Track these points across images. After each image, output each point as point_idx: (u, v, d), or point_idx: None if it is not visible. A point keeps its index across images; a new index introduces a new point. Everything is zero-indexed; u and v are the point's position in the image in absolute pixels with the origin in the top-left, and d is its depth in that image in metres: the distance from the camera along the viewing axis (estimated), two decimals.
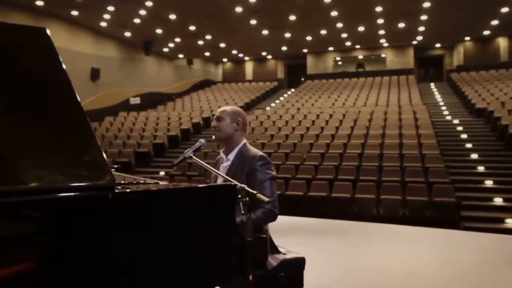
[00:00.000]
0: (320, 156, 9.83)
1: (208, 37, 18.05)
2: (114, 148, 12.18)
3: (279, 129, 12.69)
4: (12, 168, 1.18)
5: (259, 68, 25.64)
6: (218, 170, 2.30)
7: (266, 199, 1.65)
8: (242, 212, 1.57)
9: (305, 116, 13.92)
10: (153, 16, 14.84)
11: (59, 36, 14.87)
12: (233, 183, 1.56)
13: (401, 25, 16.42)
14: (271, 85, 23.08)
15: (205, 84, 23.79)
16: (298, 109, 15.34)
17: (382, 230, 6.60)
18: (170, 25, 16.01)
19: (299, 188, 8.44)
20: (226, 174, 2.16)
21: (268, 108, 16.74)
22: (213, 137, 2.31)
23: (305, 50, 22.29)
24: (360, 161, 9.42)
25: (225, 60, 25.63)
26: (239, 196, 1.56)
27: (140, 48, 18.54)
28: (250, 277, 1.51)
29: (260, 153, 2.28)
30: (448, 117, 13.98)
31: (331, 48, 21.99)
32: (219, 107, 15.36)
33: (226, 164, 2.31)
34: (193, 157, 2.06)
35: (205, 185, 1.66)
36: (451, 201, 7.38)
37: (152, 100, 19.18)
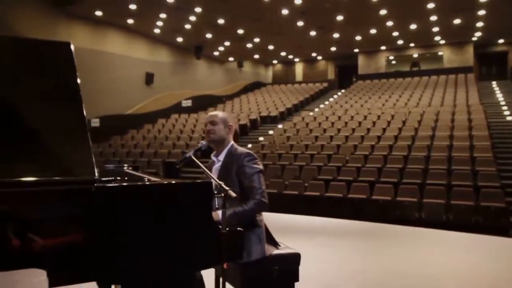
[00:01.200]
0: (363, 158, 9.67)
1: (257, 40, 18.33)
2: (164, 149, 12.76)
3: (324, 130, 12.62)
4: (13, 163, 1.40)
5: (309, 69, 25.55)
6: (211, 171, 2.48)
7: (234, 194, 1.79)
8: (217, 206, 1.71)
9: (352, 117, 13.72)
10: (203, 22, 15.36)
11: (117, 44, 15.86)
12: (208, 181, 1.71)
13: (457, 21, 15.65)
14: (321, 86, 22.91)
15: (255, 86, 24.12)
16: (346, 110, 15.13)
17: (419, 234, 6.41)
18: (219, 30, 16.46)
19: (339, 190, 8.38)
20: (218, 174, 2.34)
21: (316, 110, 16.66)
22: (202, 144, 2.45)
23: (356, 50, 21.89)
24: (405, 163, 9.15)
25: (275, 62, 25.82)
26: (215, 192, 1.70)
27: (191, 52, 19.24)
28: (225, 266, 1.65)
29: (246, 150, 2.46)
30: (510, 118, 13.10)
31: (383, 47, 21.42)
32: (267, 109, 15.66)
33: (217, 165, 2.49)
34: (193, 157, 2.23)
35: (182, 181, 1.82)
36: (500, 206, 6.98)
37: (203, 103, 19.78)
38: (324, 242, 5.57)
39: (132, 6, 13.56)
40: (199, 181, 1.74)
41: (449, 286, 3.88)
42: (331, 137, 11.68)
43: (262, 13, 14.54)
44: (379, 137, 11.06)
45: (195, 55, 19.42)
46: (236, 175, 2.35)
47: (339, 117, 13.95)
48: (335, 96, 20.14)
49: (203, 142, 2.41)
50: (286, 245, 2.48)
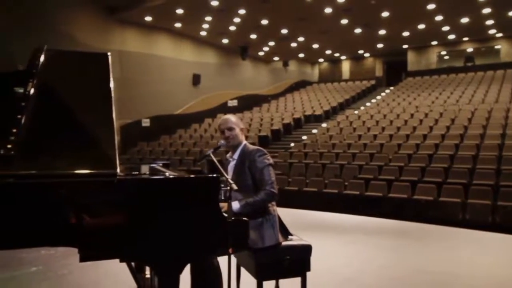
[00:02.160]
0: (407, 157, 9.48)
1: (301, 39, 18.36)
2: (210, 148, 13.14)
3: (368, 129, 12.45)
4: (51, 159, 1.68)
5: (356, 67, 25.14)
6: (227, 169, 2.73)
7: (235, 187, 1.97)
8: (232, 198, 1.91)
9: (398, 115, 13.41)
10: (247, 23, 15.65)
11: (166, 47, 16.57)
12: (214, 175, 1.91)
13: None
14: (368, 84, 22.49)
15: (300, 85, 24.12)
16: (392, 108, 14.80)
17: (458, 234, 6.23)
18: (263, 30, 16.68)
19: (379, 189, 8.29)
20: (234, 171, 2.56)
21: (361, 108, 16.42)
22: (221, 143, 2.65)
23: (405, 46, 21.24)
24: (451, 163, 8.86)
25: (321, 60, 25.66)
26: (222, 186, 1.89)
27: (237, 53, 19.63)
28: (230, 250, 1.86)
29: (257, 147, 2.69)
30: None
31: (434, 42, 20.65)
32: (312, 107, 15.67)
33: (232, 163, 2.72)
34: (211, 155, 2.44)
35: (192, 175, 2.03)
36: None
37: (248, 102, 20.12)
38: (355, 239, 5.60)
39: (179, 11, 14.12)
40: (206, 175, 1.94)
41: (471, 284, 3.80)
42: (375, 135, 11.52)
43: (305, 13, 14.57)
44: (425, 136, 10.76)
45: (240, 56, 19.79)
46: (249, 169, 2.58)
47: (385, 116, 13.68)
48: (383, 94, 19.68)
49: (223, 141, 2.63)
50: (300, 237, 2.62)
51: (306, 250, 2.54)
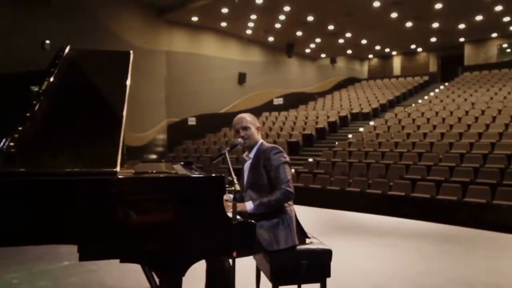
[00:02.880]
0: (459, 157, 8.90)
1: (348, 35, 17.87)
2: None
3: (418, 127, 11.87)
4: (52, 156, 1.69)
5: (408, 62, 24.09)
6: (244, 169, 2.64)
7: (238, 188, 1.88)
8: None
9: (452, 112, 12.67)
10: (292, 20, 15.47)
11: (212, 46, 16.79)
12: (220, 175, 1.83)
13: None
14: (420, 80, 21.50)
15: (348, 82, 23.53)
16: (446, 104, 14.00)
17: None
18: (309, 27, 16.41)
19: (427, 191, 7.85)
20: (249, 170, 2.48)
21: (413, 105, 15.70)
22: (238, 141, 2.56)
23: (461, 39, 20.03)
24: (508, 163, 8.21)
25: (370, 56, 24.88)
26: (227, 186, 1.81)
27: (283, 51, 19.49)
28: (234, 254, 1.77)
29: (272, 145, 2.56)
30: None
31: (494, 35, 19.29)
32: (360, 105, 15.25)
33: (248, 162, 2.63)
34: (227, 154, 2.36)
35: (196, 175, 1.96)
36: None
37: (294, 100, 19.93)
38: (394, 243, 5.31)
39: (224, 10, 14.23)
40: (211, 175, 1.88)
41: None
42: (425, 134, 10.95)
43: (352, 7, 14.15)
44: (480, 134, 10.07)
45: (286, 54, 19.63)
46: (264, 168, 2.47)
47: (437, 113, 12.98)
48: (437, 90, 18.69)
49: (240, 140, 2.55)
50: (319, 240, 2.48)
51: (326, 255, 2.39)
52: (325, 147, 12.48)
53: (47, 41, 10.31)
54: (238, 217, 1.95)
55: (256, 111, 18.04)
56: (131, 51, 2.60)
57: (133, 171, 2.01)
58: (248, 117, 2.66)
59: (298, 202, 9.08)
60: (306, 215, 7.53)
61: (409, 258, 4.61)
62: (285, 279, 2.33)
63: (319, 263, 2.35)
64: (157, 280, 2.26)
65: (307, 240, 2.51)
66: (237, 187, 1.97)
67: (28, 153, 1.70)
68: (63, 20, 10.72)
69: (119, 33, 12.71)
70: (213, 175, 1.86)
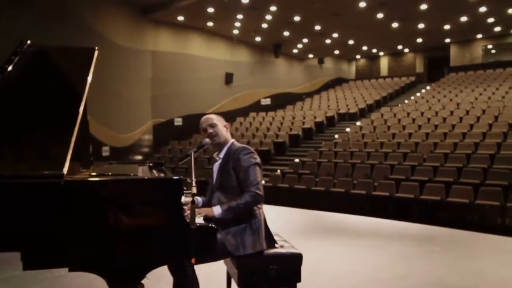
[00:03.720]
0: (443, 157, 8.93)
1: (335, 35, 17.89)
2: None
3: (404, 127, 11.90)
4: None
5: (395, 63, 24.21)
6: (214, 169, 2.55)
7: (195, 190, 1.79)
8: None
9: (437, 113, 12.73)
10: (279, 20, 15.42)
11: (198, 46, 16.66)
12: (178, 178, 1.74)
13: None
14: (407, 81, 21.62)
15: (336, 82, 23.56)
16: (432, 105, 14.07)
17: (492, 242, 5.71)
18: (296, 27, 16.38)
19: (411, 191, 7.84)
20: (218, 171, 2.37)
21: (399, 105, 15.75)
22: (205, 141, 2.47)
23: (447, 40, 20.19)
24: (491, 163, 8.25)
25: (358, 57, 24.95)
26: (185, 188, 1.73)
27: (270, 51, 19.44)
28: (192, 260, 1.68)
29: (243, 145, 2.48)
30: None
31: (479, 36, 19.48)
32: (347, 105, 15.26)
33: (218, 162, 2.53)
34: (193, 155, 2.28)
35: (152, 177, 1.87)
36: None
37: (282, 101, 19.89)
38: (374, 244, 5.26)
39: (210, 10, 14.12)
40: (166, 177, 1.79)
41: None
42: (410, 134, 10.98)
43: (338, 8, 14.16)
44: (464, 134, 10.12)
45: (274, 54, 19.58)
46: (233, 169, 2.38)
47: (422, 113, 13.03)
48: (423, 91, 18.78)
49: (207, 140, 2.46)
50: (292, 245, 2.41)
51: (296, 259, 2.31)
52: (311, 148, 12.44)
53: (28, 41, 10.09)
54: (201, 221, 1.87)
55: (243, 111, 17.99)
56: (96, 48, 2.49)
57: (89, 174, 1.91)
58: (214, 116, 2.58)
59: (283, 203, 9.09)
60: (290, 217, 7.49)
61: (389, 260, 4.56)
62: (253, 285, 2.25)
63: (289, 268, 2.27)
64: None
65: (277, 244, 2.42)
66: (194, 190, 1.88)
67: None
68: (47, 21, 10.50)
69: (104, 33, 12.52)
70: (169, 177, 1.77)
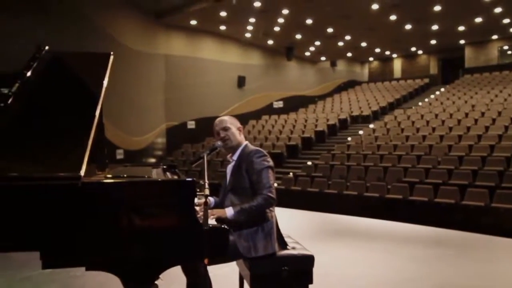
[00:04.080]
0: (458, 160, 8.82)
1: (348, 37, 17.82)
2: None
3: (417, 129, 11.79)
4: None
5: (408, 65, 24.03)
6: (227, 171, 2.57)
7: (208, 192, 1.82)
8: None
9: (451, 115, 12.60)
10: (291, 23, 15.44)
11: (211, 50, 16.78)
12: (191, 179, 1.77)
13: None
14: (421, 82, 21.42)
15: (349, 85, 23.47)
16: (446, 107, 13.92)
17: (507, 246, 5.60)
18: (308, 30, 16.38)
19: (425, 194, 7.76)
20: (231, 173, 2.40)
21: (412, 108, 15.61)
22: (217, 144, 2.49)
23: (462, 42, 19.96)
24: (508, 166, 8.13)
25: (371, 59, 24.82)
26: (198, 190, 1.76)
27: (282, 54, 19.46)
28: (205, 261, 1.71)
29: (256, 148, 2.49)
30: None
31: (494, 37, 19.22)
32: (360, 108, 15.19)
33: (231, 164, 2.55)
34: (205, 157, 2.31)
35: (166, 179, 1.91)
36: None
37: (294, 103, 19.88)
38: (387, 247, 5.22)
39: (223, 14, 14.22)
40: (180, 179, 1.82)
41: None
42: (424, 136, 10.87)
43: (350, 10, 14.11)
44: (479, 136, 9.99)
45: (286, 57, 19.59)
46: (246, 171, 2.40)
47: (436, 115, 12.91)
48: (437, 93, 18.58)
49: (219, 143, 2.48)
50: (303, 247, 2.42)
51: (308, 261, 2.33)
52: (324, 150, 12.41)
53: (46, 47, 10.29)
54: (213, 222, 1.90)
55: (256, 115, 18.03)
56: (112, 53, 2.55)
57: (104, 176, 1.96)
58: (227, 118, 2.60)
59: (295, 206, 9.08)
60: (302, 219, 7.48)
61: (399, 263, 4.53)
62: (265, 286, 2.27)
63: (301, 269, 2.29)
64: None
65: (289, 246, 2.44)
66: (207, 191, 1.91)
67: None
68: (61, 25, 10.70)
69: (118, 37, 12.70)
70: (183, 179, 1.80)
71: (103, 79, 2.24)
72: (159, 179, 1.96)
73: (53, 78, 2.18)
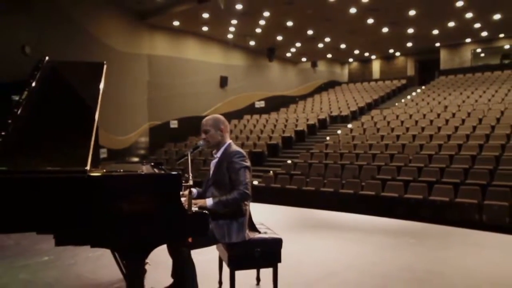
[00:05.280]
0: (428, 158, 9.36)
1: (327, 39, 18.33)
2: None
3: (392, 129, 12.33)
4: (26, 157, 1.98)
5: (387, 66, 24.74)
6: (211, 166, 2.93)
7: (191, 183, 2.18)
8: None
9: (424, 115, 13.20)
10: (272, 25, 15.83)
11: (193, 50, 17.04)
12: (177, 173, 2.13)
13: None
14: (399, 83, 22.11)
15: (329, 85, 24.03)
16: (420, 108, 14.54)
17: (468, 235, 6.11)
18: (289, 32, 16.80)
19: (396, 190, 8.26)
20: (214, 168, 2.77)
21: (389, 108, 16.20)
22: (199, 143, 2.86)
23: (437, 44, 20.72)
24: (473, 163, 8.69)
25: (350, 60, 25.44)
26: (184, 182, 2.12)
27: (264, 55, 19.85)
28: (190, 239, 2.08)
29: (237, 149, 2.86)
30: None
31: (468, 40, 20.01)
32: (339, 108, 15.66)
33: (214, 160, 2.92)
34: (189, 155, 2.66)
35: (157, 173, 2.27)
36: None
37: (276, 103, 20.32)
38: (356, 238, 5.65)
39: (205, 15, 14.51)
40: (168, 173, 2.17)
41: (449, 283, 3.83)
42: (398, 136, 11.41)
43: (330, 13, 14.59)
44: (449, 136, 10.57)
45: (267, 57, 19.99)
46: (227, 169, 2.76)
47: (410, 116, 13.50)
48: (413, 94, 19.28)
49: (201, 142, 2.84)
50: (273, 231, 2.80)
51: (276, 243, 2.73)
52: (303, 149, 12.84)
53: (27, 46, 10.40)
54: (194, 208, 2.26)
55: (238, 114, 18.38)
56: (105, 62, 2.87)
57: (103, 171, 2.29)
58: (210, 120, 2.93)
59: (275, 202, 9.44)
60: (281, 214, 7.87)
61: (367, 250, 4.97)
62: (241, 265, 2.65)
63: (271, 250, 2.68)
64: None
65: (261, 231, 2.83)
66: (191, 182, 2.27)
67: (9, 155, 1.97)
68: (44, 25, 10.82)
69: (101, 37, 12.87)
70: (171, 172, 2.15)
71: (99, 86, 2.57)
72: (151, 172, 2.29)
73: (56, 86, 2.49)
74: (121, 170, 2.24)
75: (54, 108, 2.32)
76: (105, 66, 2.81)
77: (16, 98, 2.26)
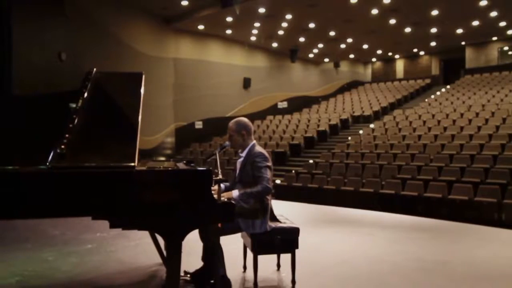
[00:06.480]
0: (449, 157, 9.46)
1: (349, 40, 18.46)
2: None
3: (414, 129, 12.42)
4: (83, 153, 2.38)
5: (410, 66, 24.59)
6: (237, 164, 3.31)
7: (221, 176, 2.54)
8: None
9: (447, 115, 13.20)
10: (295, 27, 16.13)
11: (217, 53, 17.51)
12: (208, 169, 2.50)
13: None
14: (423, 83, 21.97)
15: (352, 85, 24.10)
16: (444, 107, 14.52)
17: (486, 233, 6.24)
18: (311, 33, 17.05)
19: (416, 189, 8.42)
20: (240, 166, 3.13)
21: (413, 108, 16.21)
22: (226, 144, 3.28)
23: (462, 43, 20.50)
24: (494, 163, 8.75)
25: (373, 60, 25.41)
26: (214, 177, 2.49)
27: (286, 56, 20.15)
28: (219, 225, 2.45)
29: (260, 150, 3.20)
30: None
31: (494, 38, 19.74)
32: (362, 108, 15.78)
33: (240, 159, 3.28)
34: (217, 154, 3.03)
35: (193, 168, 2.64)
36: None
37: (298, 104, 20.57)
38: (372, 232, 5.90)
39: (229, 19, 14.93)
40: (202, 168, 2.54)
41: (454, 271, 4.03)
42: (419, 136, 11.50)
43: (351, 15, 14.75)
44: (471, 136, 10.60)
45: (290, 59, 20.27)
46: (251, 168, 3.12)
47: (433, 115, 13.52)
48: (438, 93, 19.15)
49: (227, 142, 3.21)
50: (292, 221, 3.15)
51: (294, 231, 3.10)
52: (325, 149, 13.07)
53: (63, 53, 11.03)
54: (223, 199, 2.63)
55: (261, 115, 18.74)
56: (143, 72, 3.27)
57: (146, 167, 2.68)
58: (233, 125, 3.28)
59: (297, 199, 9.76)
60: (302, 210, 8.17)
61: (380, 242, 5.24)
62: (263, 250, 3.01)
63: (290, 238, 3.04)
64: (165, 254, 2.94)
65: (281, 221, 3.18)
66: (220, 176, 2.64)
67: (73, 153, 2.37)
68: (75, 31, 11.44)
69: (129, 42, 13.48)
70: (203, 168, 2.52)
71: (140, 93, 2.96)
72: (189, 168, 2.66)
73: (104, 93, 2.90)
74: (161, 167, 2.63)
75: (105, 114, 2.72)
76: (143, 76, 3.20)
77: (73, 105, 2.66)
